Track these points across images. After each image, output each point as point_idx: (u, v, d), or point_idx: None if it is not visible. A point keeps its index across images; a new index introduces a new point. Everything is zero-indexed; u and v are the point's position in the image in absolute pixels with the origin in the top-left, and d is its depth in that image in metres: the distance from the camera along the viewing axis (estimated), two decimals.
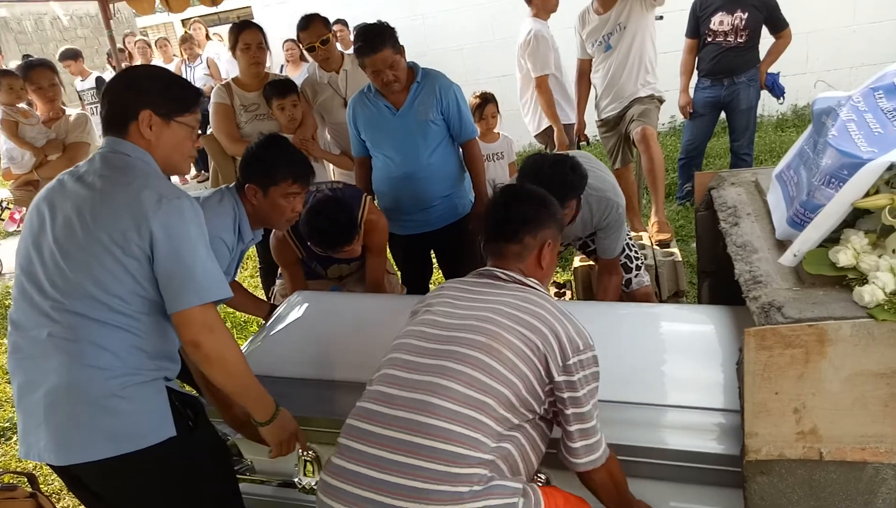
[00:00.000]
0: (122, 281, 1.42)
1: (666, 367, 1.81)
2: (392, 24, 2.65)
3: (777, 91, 4.24)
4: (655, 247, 3.10)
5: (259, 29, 3.13)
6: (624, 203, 2.38)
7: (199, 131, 1.68)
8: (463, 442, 1.25)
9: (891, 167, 1.38)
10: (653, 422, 1.61)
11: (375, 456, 1.28)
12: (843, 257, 1.37)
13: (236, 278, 2.40)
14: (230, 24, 3.48)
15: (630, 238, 2.63)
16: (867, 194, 1.40)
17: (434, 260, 3.19)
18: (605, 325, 1.83)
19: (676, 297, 2.96)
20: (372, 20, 2.72)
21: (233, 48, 3.12)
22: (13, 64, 6.05)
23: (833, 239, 1.45)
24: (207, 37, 7.86)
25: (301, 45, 3.24)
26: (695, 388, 1.69)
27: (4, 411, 3.42)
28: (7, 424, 3.26)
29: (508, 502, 1.25)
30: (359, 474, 1.28)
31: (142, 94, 1.54)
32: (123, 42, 7.88)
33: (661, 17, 3.67)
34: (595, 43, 3.57)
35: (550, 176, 2.01)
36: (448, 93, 2.69)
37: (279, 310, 2.26)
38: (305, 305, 2.25)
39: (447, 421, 1.27)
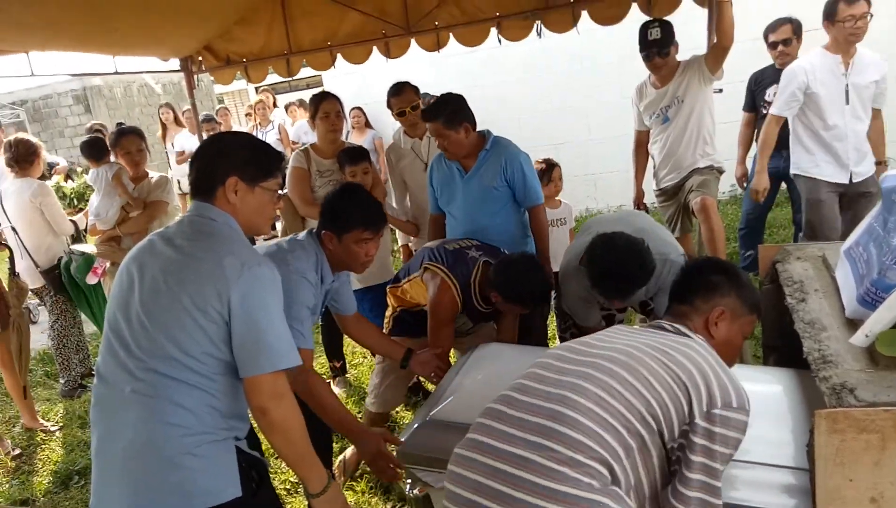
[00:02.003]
0: (199, 342, 1.48)
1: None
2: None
3: None
4: None
5: (337, 99, 3.36)
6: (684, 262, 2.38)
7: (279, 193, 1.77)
8: (588, 434, 1.27)
9: None
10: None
11: (504, 432, 1.34)
12: None
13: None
14: (298, 92, 3.72)
15: None
16: None
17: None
18: None
19: None
20: (437, 91, 2.91)
21: (312, 116, 3.33)
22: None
23: None
24: (275, 104, 8.32)
25: (392, 110, 3.44)
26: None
27: (74, 454, 3.55)
28: (77, 468, 3.38)
29: None
30: (488, 444, 1.34)
31: (229, 160, 1.62)
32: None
33: (720, 91, 3.70)
34: (653, 115, 3.62)
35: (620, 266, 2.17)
36: (514, 161, 2.81)
37: (469, 361, 2.24)
38: (498, 355, 2.27)
39: (577, 412, 1.30)
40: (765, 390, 1.94)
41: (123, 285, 1.59)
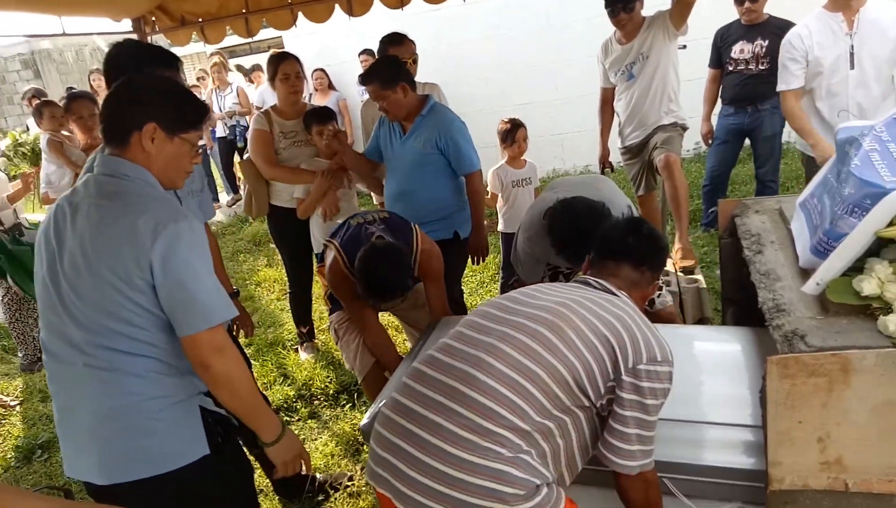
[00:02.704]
0: (136, 313, 1.44)
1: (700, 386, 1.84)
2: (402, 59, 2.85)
3: None
4: (679, 274, 3.09)
5: (297, 60, 3.27)
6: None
7: (201, 149, 1.64)
8: (503, 403, 1.30)
9: None
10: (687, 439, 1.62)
11: (423, 394, 1.39)
12: (868, 286, 1.37)
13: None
14: (259, 54, 3.61)
15: None
16: (891, 224, 1.41)
17: None
18: None
19: (701, 323, 2.94)
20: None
21: (272, 78, 3.24)
22: (55, 93, 6.30)
23: (857, 268, 1.46)
24: (227, 69, 8.04)
25: None
26: (727, 406, 1.70)
27: (37, 428, 3.50)
28: (40, 442, 3.34)
29: (531, 479, 1.26)
30: (409, 408, 1.39)
31: (149, 105, 1.50)
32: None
33: (684, 47, 3.70)
34: (618, 72, 3.61)
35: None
36: (447, 130, 2.83)
37: (431, 337, 2.16)
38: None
39: (494, 380, 1.33)
40: (724, 349, 2.00)
41: (46, 259, 1.51)
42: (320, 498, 2.58)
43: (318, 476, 2.66)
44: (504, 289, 2.87)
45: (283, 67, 3.19)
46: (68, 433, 1.53)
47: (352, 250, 2.35)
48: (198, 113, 1.58)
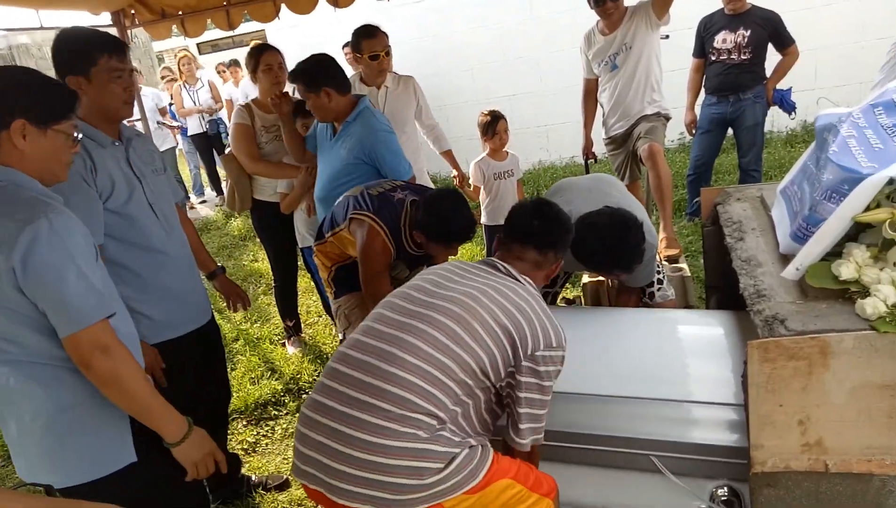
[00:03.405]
0: (21, 323, 1.38)
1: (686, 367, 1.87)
2: (337, 57, 2.75)
3: (787, 107, 4.25)
4: (664, 263, 3.12)
5: (278, 51, 3.23)
6: (656, 242, 2.38)
7: (77, 137, 1.55)
8: (417, 392, 1.39)
9: (891, 182, 1.40)
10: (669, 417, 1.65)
11: (341, 392, 1.44)
12: (846, 270, 1.39)
13: None
14: (242, 48, 3.55)
15: None
16: (868, 209, 1.42)
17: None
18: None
19: None
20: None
21: (253, 70, 3.20)
22: None
23: (836, 253, 1.48)
24: (196, 64, 7.91)
25: (361, 53, 3.22)
26: (711, 386, 1.73)
27: None
28: None
29: (450, 450, 1.39)
30: (329, 407, 1.44)
31: (13, 100, 1.41)
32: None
33: (666, 37, 3.71)
34: (601, 63, 3.62)
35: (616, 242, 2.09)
36: (368, 141, 2.66)
37: None
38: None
39: (407, 372, 1.41)
40: (707, 332, 2.03)
41: None
42: (255, 499, 2.56)
43: (252, 476, 2.64)
44: None
45: (265, 58, 3.15)
46: (6, 438, 1.53)
47: (389, 219, 2.34)
48: (67, 101, 1.50)
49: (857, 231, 1.49)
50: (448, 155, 3.77)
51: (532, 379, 1.50)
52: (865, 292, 1.36)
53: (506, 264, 1.67)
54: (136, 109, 4.74)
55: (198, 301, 2.18)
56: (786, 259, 1.61)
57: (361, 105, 2.73)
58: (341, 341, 2.60)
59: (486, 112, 3.65)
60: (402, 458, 1.34)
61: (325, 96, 2.63)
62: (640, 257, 2.13)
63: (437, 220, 2.28)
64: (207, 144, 7.45)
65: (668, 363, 1.86)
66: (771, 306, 1.45)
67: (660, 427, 1.60)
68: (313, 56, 2.73)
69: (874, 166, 1.45)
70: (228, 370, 3.57)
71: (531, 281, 1.67)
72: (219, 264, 2.57)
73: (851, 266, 1.39)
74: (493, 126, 3.57)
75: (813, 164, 1.67)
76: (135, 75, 2.00)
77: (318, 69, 2.65)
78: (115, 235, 1.91)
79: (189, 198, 7.79)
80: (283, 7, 4.20)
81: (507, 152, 3.70)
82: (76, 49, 1.86)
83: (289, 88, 3.18)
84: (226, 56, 9.53)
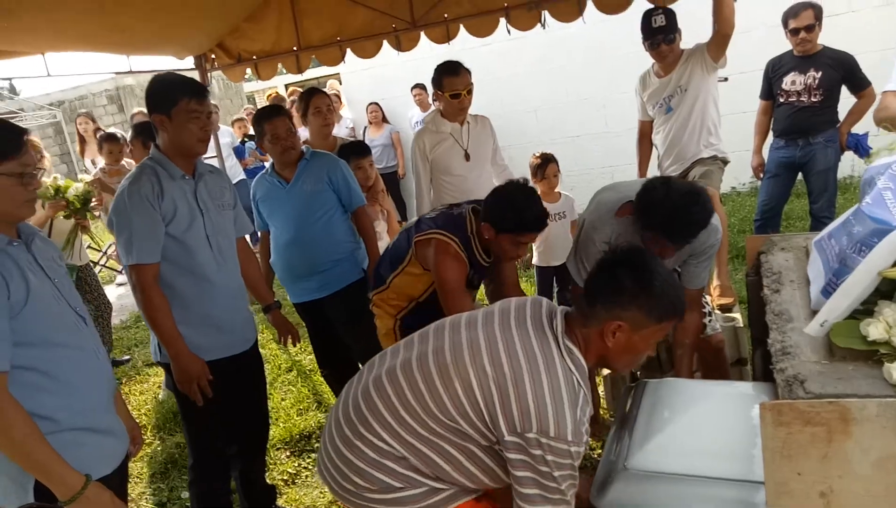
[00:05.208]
0: None
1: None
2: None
3: (863, 152, 4.01)
4: (716, 311, 2.98)
5: (326, 94, 3.40)
6: (719, 240, 2.33)
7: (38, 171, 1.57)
8: (387, 443, 1.52)
9: None
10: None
11: (341, 430, 1.60)
12: (874, 330, 1.30)
13: None
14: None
15: None
16: None
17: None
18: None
19: (739, 364, 2.82)
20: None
21: (304, 114, 3.36)
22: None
23: (867, 310, 1.38)
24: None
25: (443, 90, 3.22)
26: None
27: None
28: None
29: (389, 482, 1.51)
30: (325, 450, 1.63)
31: None
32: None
33: (725, 79, 3.63)
34: (656, 105, 3.56)
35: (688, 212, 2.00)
36: (335, 167, 2.91)
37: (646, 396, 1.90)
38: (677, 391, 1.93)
39: (381, 425, 1.53)
40: (740, 405, 1.88)
41: None
42: None
43: None
44: None
45: (315, 101, 3.30)
46: None
47: (456, 231, 2.31)
48: (9, 140, 1.48)
49: (893, 289, 1.40)
50: None
51: (522, 456, 1.39)
52: (894, 355, 1.26)
53: (562, 335, 1.48)
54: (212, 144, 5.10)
55: (239, 330, 2.28)
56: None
57: (309, 149, 3.00)
58: None
59: (537, 154, 3.66)
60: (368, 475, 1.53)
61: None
62: (702, 230, 2.05)
63: (507, 207, 2.19)
64: None
65: (687, 436, 1.73)
66: (794, 364, 1.37)
67: (672, 503, 1.52)
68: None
69: None
70: (279, 399, 3.71)
71: (580, 351, 1.47)
72: (275, 300, 2.69)
73: (881, 326, 1.30)
74: (543, 169, 3.58)
75: (853, 217, 1.59)
76: (213, 117, 2.19)
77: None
78: (169, 258, 2.09)
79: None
80: (349, 51, 4.42)
81: (560, 194, 3.68)
82: (161, 91, 2.08)
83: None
84: None
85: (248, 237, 2.56)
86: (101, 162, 4.85)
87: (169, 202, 2.06)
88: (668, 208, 1.99)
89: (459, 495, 1.55)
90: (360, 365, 2.86)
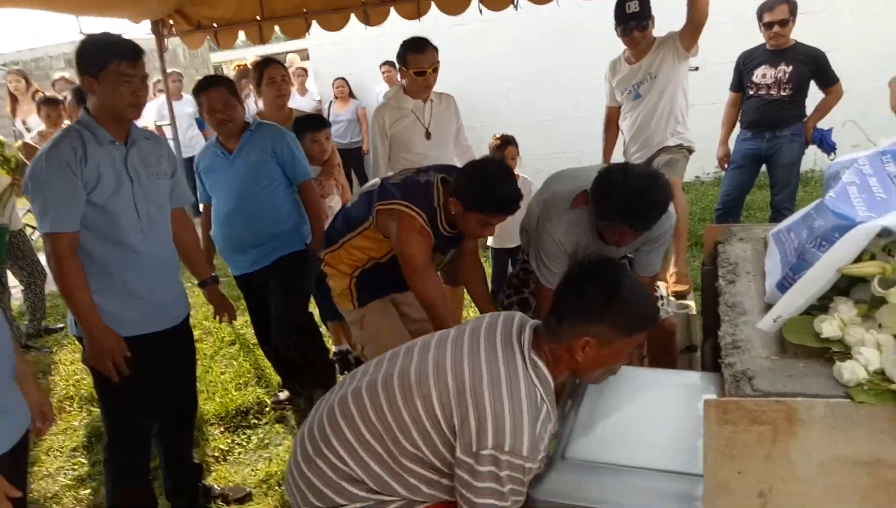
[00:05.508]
0: None
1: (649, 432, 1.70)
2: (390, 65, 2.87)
3: (827, 147, 4.05)
4: (671, 298, 2.96)
5: (282, 65, 3.28)
6: (672, 227, 2.30)
7: None
8: (344, 461, 1.49)
9: (886, 232, 1.27)
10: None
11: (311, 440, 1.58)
12: (828, 327, 1.25)
13: None
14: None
15: None
16: (860, 260, 1.29)
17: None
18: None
19: (689, 351, 2.81)
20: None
21: (258, 84, 3.24)
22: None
23: (823, 307, 1.34)
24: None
25: (407, 67, 3.12)
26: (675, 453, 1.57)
27: None
28: None
29: (355, 493, 1.48)
30: (294, 460, 1.60)
31: None
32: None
33: (696, 69, 3.59)
34: (625, 91, 3.51)
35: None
36: (280, 139, 2.82)
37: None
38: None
39: (340, 445, 1.50)
40: (686, 396, 1.85)
41: None
42: None
43: (216, 487, 2.59)
44: (496, 297, 2.70)
45: (269, 71, 3.18)
46: None
47: (422, 203, 2.18)
48: None
49: (851, 285, 1.35)
50: None
51: (466, 476, 1.35)
52: (847, 353, 1.22)
53: (529, 351, 1.45)
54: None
55: (166, 304, 2.18)
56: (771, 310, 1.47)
57: (256, 120, 2.90)
58: (361, 353, 2.47)
59: (497, 135, 3.60)
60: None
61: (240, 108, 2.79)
62: (662, 214, 2.01)
63: (481, 185, 2.07)
64: None
65: (628, 426, 1.70)
66: (744, 359, 1.32)
67: (606, 496, 1.47)
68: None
69: (871, 216, 1.32)
70: (218, 373, 3.60)
71: (546, 366, 1.44)
72: (213, 275, 2.58)
73: (835, 323, 1.25)
74: (502, 151, 3.53)
75: (814, 211, 1.54)
76: (147, 81, 2.06)
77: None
78: (91, 226, 1.98)
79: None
80: (315, 24, 4.26)
81: (519, 175, 3.60)
82: (91, 52, 1.98)
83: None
84: None
85: (188, 209, 2.43)
86: (34, 122, 4.65)
87: (93, 168, 1.95)
88: (627, 193, 1.94)
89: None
90: (286, 339, 2.86)
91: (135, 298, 2.07)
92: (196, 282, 2.55)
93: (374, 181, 2.41)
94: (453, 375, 1.41)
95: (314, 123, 3.25)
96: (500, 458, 1.32)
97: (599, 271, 1.46)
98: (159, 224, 2.14)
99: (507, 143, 3.53)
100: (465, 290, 2.67)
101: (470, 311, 3.85)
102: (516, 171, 3.57)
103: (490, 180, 2.09)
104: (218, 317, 2.57)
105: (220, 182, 2.86)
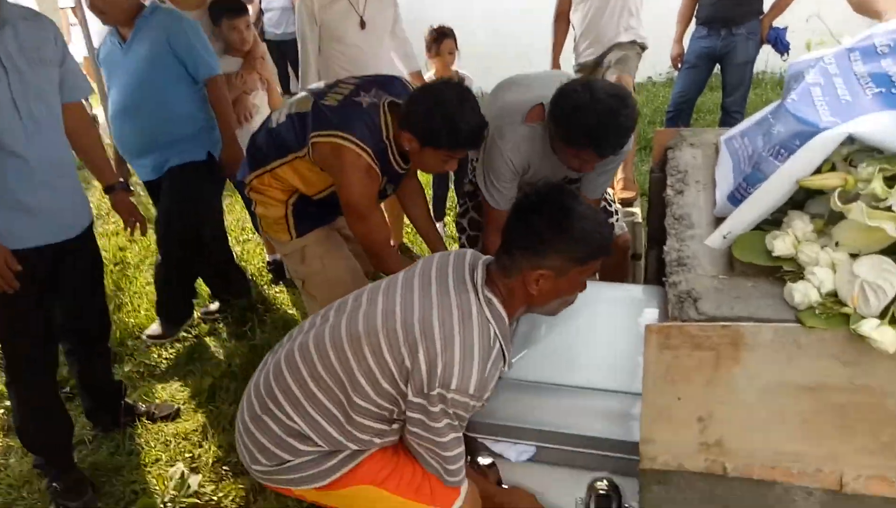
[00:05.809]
0: None
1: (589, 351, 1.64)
2: None
3: (781, 47, 3.92)
4: (617, 205, 2.87)
5: None
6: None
7: None
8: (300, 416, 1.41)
9: (851, 140, 1.15)
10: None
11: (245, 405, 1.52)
12: (781, 244, 1.16)
13: None
14: None
15: None
16: (819, 171, 1.18)
17: None
18: None
19: (634, 259, 2.76)
20: None
21: None
22: None
23: (776, 221, 1.24)
24: None
25: None
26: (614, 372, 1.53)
27: None
28: None
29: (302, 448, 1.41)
30: (241, 419, 1.51)
31: None
32: None
33: None
34: None
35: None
36: (177, 29, 2.45)
37: None
38: None
39: (289, 403, 1.42)
40: (628, 311, 1.79)
41: None
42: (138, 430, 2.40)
43: (140, 405, 2.48)
44: (460, 222, 2.46)
45: None
46: None
47: (368, 135, 1.86)
48: None
49: (807, 198, 1.25)
50: (417, 77, 3.38)
51: (420, 416, 1.31)
52: (800, 273, 1.13)
53: (483, 287, 1.37)
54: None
55: (59, 213, 1.93)
56: (721, 223, 1.37)
57: (153, 3, 2.50)
58: (302, 288, 2.24)
59: (434, 26, 3.29)
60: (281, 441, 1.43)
61: None
62: (632, 132, 1.84)
63: (437, 117, 1.76)
64: None
65: (567, 344, 1.64)
66: (689, 278, 1.22)
67: (544, 415, 1.41)
68: None
69: (835, 121, 1.19)
70: (144, 283, 3.37)
71: (501, 301, 1.37)
72: (120, 180, 2.30)
73: (788, 240, 1.16)
74: (438, 44, 3.24)
75: (772, 115, 1.41)
76: None
77: None
78: None
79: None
80: None
81: (457, 72, 3.36)
82: None
83: None
84: None
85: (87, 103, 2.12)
86: None
87: None
88: (594, 116, 1.72)
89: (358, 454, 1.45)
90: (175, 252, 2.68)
91: (20, 209, 1.82)
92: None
93: (303, 95, 2.03)
94: (402, 321, 1.34)
95: (232, 7, 2.86)
96: (447, 396, 1.27)
97: (548, 200, 1.37)
98: (47, 123, 1.85)
99: (443, 35, 3.23)
100: (405, 213, 2.43)
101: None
102: (453, 67, 3.33)
103: (448, 110, 1.77)
104: (129, 229, 2.31)
105: (113, 76, 2.54)
